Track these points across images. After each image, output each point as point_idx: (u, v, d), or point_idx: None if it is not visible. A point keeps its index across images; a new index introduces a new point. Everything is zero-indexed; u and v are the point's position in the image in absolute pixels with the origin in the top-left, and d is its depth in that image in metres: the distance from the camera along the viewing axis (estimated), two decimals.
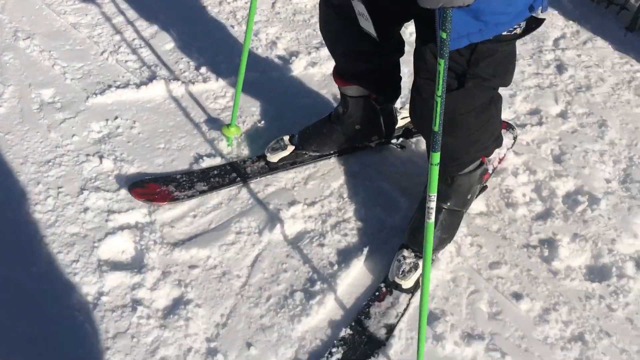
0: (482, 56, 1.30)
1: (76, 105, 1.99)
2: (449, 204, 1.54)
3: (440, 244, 1.54)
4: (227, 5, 2.51)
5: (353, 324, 1.43)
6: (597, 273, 1.59)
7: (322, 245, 1.61)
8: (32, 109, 1.97)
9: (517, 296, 1.52)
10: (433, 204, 1.20)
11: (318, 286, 1.51)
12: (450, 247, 1.60)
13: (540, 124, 2.03)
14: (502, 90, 2.05)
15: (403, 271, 1.48)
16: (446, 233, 1.54)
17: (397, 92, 1.73)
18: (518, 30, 1.26)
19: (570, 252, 1.63)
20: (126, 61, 2.19)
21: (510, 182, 1.81)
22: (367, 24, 1.41)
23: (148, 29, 2.34)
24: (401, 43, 1.59)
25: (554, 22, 2.54)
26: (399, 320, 1.44)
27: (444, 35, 1.04)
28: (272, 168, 1.78)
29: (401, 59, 1.65)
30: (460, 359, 1.39)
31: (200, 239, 1.61)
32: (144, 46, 2.25)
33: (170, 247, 1.58)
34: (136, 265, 1.54)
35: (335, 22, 1.53)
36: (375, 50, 1.53)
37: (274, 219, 1.66)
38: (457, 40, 1.21)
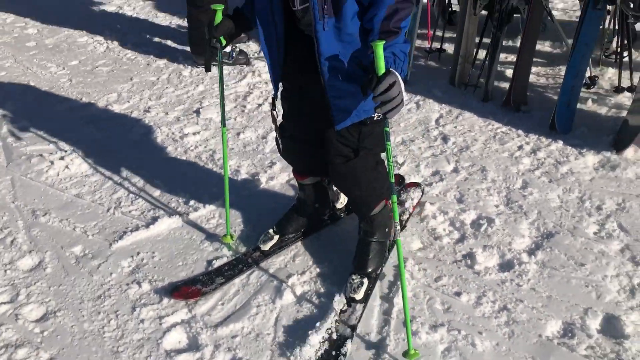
0: (365, 135, 2.05)
1: (104, 252, 2.58)
2: (375, 237, 2.28)
3: (377, 266, 2.27)
4: (191, 153, 3.24)
5: (332, 327, 2.09)
6: (505, 266, 2.33)
7: (318, 295, 2.26)
8: (71, 263, 2.54)
9: (458, 294, 2.21)
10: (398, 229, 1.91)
11: (318, 322, 2.13)
12: (407, 275, 2.29)
13: (441, 180, 2.83)
14: (411, 163, 2.86)
15: (354, 288, 2.17)
16: (378, 257, 2.27)
17: None
18: (376, 117, 2.00)
19: (484, 258, 2.36)
20: (129, 211, 2.82)
21: (433, 223, 2.56)
22: None
23: (137, 184, 3.00)
24: None
25: (432, 108, 3.45)
26: (358, 322, 2.10)
27: (387, 129, 1.81)
28: (267, 254, 2.44)
29: None
30: (432, 342, 2.04)
31: (232, 317, 2.21)
32: (139, 197, 2.91)
33: (214, 328, 2.17)
34: (194, 346, 2.11)
35: (293, 146, 2.28)
36: (320, 154, 2.29)
37: (279, 290, 2.29)
38: (344, 122, 1.98)
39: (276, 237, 2.46)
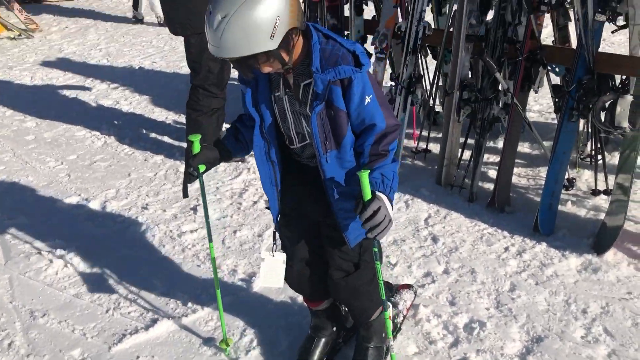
0: (366, 248, 2.15)
1: (103, 356, 2.59)
2: (372, 343, 2.35)
3: None
4: (188, 251, 3.33)
5: None
6: None
7: None
8: None
9: None
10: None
11: None
12: None
13: (433, 281, 2.94)
14: (403, 264, 2.96)
15: None
16: None
17: None
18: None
19: None
20: (129, 312, 2.86)
21: (427, 326, 2.65)
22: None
23: (136, 284, 3.05)
24: None
25: (421, 207, 3.61)
26: None
27: (376, 250, 1.94)
28: None
29: None
30: None
31: None
32: (138, 297, 2.96)
33: None
34: None
35: (303, 273, 2.28)
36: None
37: None
38: (357, 239, 2.09)
39: None
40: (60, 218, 3.74)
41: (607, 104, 2.96)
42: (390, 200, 1.87)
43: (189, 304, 2.88)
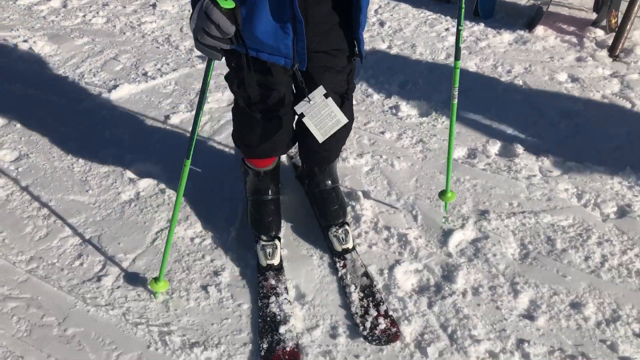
0: (353, 72, 1.90)
1: (71, 113, 2.85)
2: (329, 183, 2.16)
3: (346, 210, 2.15)
4: (148, 37, 3.49)
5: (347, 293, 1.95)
6: (424, 113, 2.70)
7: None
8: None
9: (382, 132, 2.58)
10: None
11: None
12: None
13: (376, 54, 3.17)
14: None
15: (342, 239, 2.05)
16: (343, 201, 2.16)
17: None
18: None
19: (407, 108, 2.73)
20: (92, 82, 3.08)
21: (365, 85, 2.91)
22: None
23: (99, 60, 3.25)
24: None
25: (372, 0, 3.77)
26: (364, 267, 2.01)
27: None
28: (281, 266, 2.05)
29: None
30: (358, 164, 2.41)
31: None
32: (102, 70, 3.16)
33: None
34: (155, 174, 2.44)
35: (261, 123, 1.88)
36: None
37: None
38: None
39: (277, 242, 2.08)
40: (22, 13, 3.83)
41: None
42: None
43: (150, 73, 3.10)
